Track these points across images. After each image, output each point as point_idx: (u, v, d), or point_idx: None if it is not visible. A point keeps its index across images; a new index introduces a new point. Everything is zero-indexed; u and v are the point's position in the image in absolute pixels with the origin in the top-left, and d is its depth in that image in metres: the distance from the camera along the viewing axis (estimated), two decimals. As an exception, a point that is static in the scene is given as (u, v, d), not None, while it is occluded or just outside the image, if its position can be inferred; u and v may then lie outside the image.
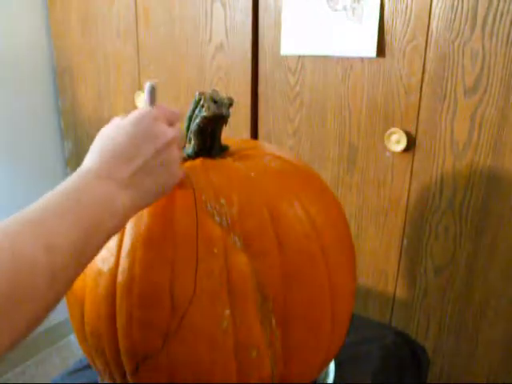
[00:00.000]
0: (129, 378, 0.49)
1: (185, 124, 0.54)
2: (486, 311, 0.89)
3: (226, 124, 0.55)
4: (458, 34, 0.79)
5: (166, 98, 1.22)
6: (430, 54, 0.82)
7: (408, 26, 0.83)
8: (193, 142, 0.54)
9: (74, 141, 1.52)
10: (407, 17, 0.83)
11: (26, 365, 1.52)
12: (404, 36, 0.84)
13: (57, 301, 0.36)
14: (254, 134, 1.11)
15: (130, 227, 0.47)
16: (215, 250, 0.45)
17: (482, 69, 0.78)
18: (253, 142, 0.69)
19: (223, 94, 0.53)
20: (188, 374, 0.47)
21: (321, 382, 0.65)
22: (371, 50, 0.87)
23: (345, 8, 0.88)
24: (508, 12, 0.74)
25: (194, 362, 0.46)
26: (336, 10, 0.89)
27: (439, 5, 0.79)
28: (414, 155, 0.89)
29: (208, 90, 0.53)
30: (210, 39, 1.10)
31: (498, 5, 0.74)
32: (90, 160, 0.43)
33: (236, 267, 0.45)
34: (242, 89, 1.08)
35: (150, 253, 0.46)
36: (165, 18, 1.16)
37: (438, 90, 0.83)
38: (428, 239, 0.92)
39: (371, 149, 0.94)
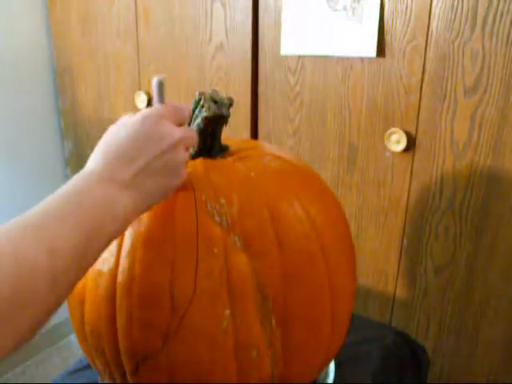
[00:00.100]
0: (129, 378, 0.49)
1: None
2: (486, 311, 0.89)
3: (226, 124, 0.55)
4: (458, 34, 0.79)
5: (167, 98, 1.22)
6: (430, 54, 0.82)
7: (408, 26, 0.83)
8: (193, 141, 0.54)
9: (74, 141, 1.52)
10: (407, 17, 0.83)
11: (26, 365, 1.52)
12: (404, 36, 0.84)
13: (58, 304, 0.36)
14: (254, 134, 1.11)
15: (129, 227, 0.47)
16: (215, 250, 0.45)
17: (482, 69, 0.78)
18: (253, 142, 0.69)
19: (223, 93, 0.53)
20: (188, 374, 0.47)
21: (321, 381, 0.65)
22: (371, 50, 0.87)
23: (345, 8, 0.88)
24: (508, 12, 0.74)
25: (194, 361, 0.46)
26: (336, 10, 0.89)
27: (439, 5, 0.79)
28: (414, 155, 0.89)
29: (208, 90, 0.53)
30: (210, 39, 1.10)
31: (497, 5, 0.74)
32: (93, 161, 0.42)
33: (236, 267, 0.45)
34: (242, 89, 1.08)
35: (150, 253, 0.46)
36: (165, 17, 1.16)
37: (438, 90, 0.83)
38: (428, 239, 0.92)
39: (371, 149, 0.94)
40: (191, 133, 0.47)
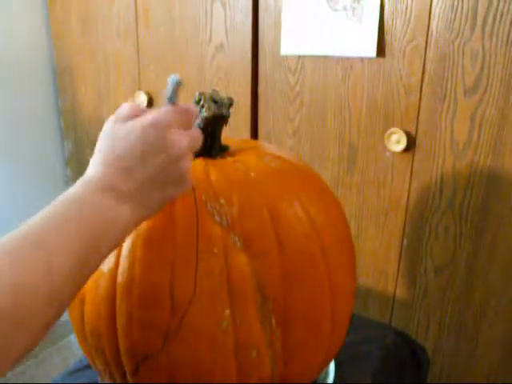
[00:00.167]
0: (129, 378, 0.49)
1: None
2: (486, 311, 0.89)
3: (226, 124, 0.55)
4: (458, 34, 0.79)
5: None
6: (430, 54, 0.82)
7: (408, 26, 0.83)
8: (193, 141, 0.54)
9: (74, 141, 1.52)
10: (407, 17, 0.83)
11: (26, 365, 1.52)
12: (404, 36, 0.84)
13: (56, 318, 0.35)
14: (254, 134, 1.11)
15: (130, 227, 0.47)
16: (215, 250, 0.45)
17: (482, 69, 0.78)
18: (253, 142, 0.69)
19: (223, 93, 0.53)
20: (188, 374, 0.47)
21: (321, 382, 0.65)
22: (371, 50, 0.87)
23: (345, 8, 0.88)
24: (508, 12, 0.74)
25: (194, 361, 0.46)
26: (336, 10, 0.89)
27: (439, 5, 0.79)
28: (414, 155, 0.89)
29: (208, 90, 0.53)
30: (210, 39, 1.10)
31: (497, 5, 0.74)
32: (95, 167, 0.40)
33: (236, 267, 0.45)
34: (242, 89, 1.08)
35: (150, 253, 0.46)
36: (165, 17, 1.16)
37: (438, 90, 0.83)
38: (428, 239, 0.92)
39: (371, 149, 0.94)
40: (197, 135, 0.45)
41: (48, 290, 0.33)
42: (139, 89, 1.27)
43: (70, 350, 1.60)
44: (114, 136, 0.41)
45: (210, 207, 0.47)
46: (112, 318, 0.47)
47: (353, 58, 0.91)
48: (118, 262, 0.47)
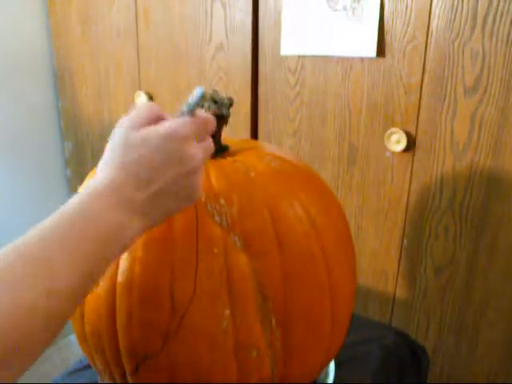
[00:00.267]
0: (129, 378, 0.49)
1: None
2: (486, 311, 0.89)
3: (226, 124, 0.55)
4: (458, 34, 0.79)
5: (167, 98, 1.22)
6: (430, 54, 0.82)
7: (408, 25, 0.83)
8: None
9: (74, 141, 1.52)
10: (407, 17, 0.83)
11: (26, 365, 1.52)
12: (404, 36, 0.84)
13: (53, 339, 0.34)
14: (254, 134, 1.11)
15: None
16: (215, 250, 0.45)
17: (482, 69, 0.78)
18: (253, 142, 0.69)
19: (223, 93, 0.53)
20: (188, 374, 0.47)
21: (321, 382, 0.65)
22: (371, 50, 0.87)
23: (345, 8, 0.88)
24: (508, 12, 0.74)
25: (194, 361, 0.46)
26: (336, 10, 0.89)
27: (439, 5, 0.79)
28: (413, 155, 0.89)
29: (208, 90, 0.53)
30: (210, 39, 1.10)
31: (498, 5, 0.74)
32: (106, 174, 0.38)
33: (236, 267, 0.45)
34: (242, 89, 1.08)
35: (150, 253, 0.46)
36: (165, 18, 1.16)
37: (438, 90, 0.83)
38: (428, 239, 0.92)
39: (371, 149, 0.94)
40: (211, 146, 0.43)
41: (46, 316, 0.32)
42: (139, 89, 1.27)
43: (70, 350, 1.60)
44: (126, 143, 0.38)
45: (209, 207, 0.47)
46: (112, 318, 0.47)
47: (353, 58, 0.91)
48: (117, 262, 0.47)
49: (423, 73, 0.84)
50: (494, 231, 0.84)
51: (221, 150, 0.56)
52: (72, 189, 1.58)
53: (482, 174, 0.83)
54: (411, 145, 0.88)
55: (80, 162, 1.53)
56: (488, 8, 0.75)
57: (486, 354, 0.91)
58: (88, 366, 0.71)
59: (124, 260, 0.47)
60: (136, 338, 0.46)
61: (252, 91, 1.07)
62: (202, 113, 0.42)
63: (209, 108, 0.51)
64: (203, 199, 0.47)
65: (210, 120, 0.42)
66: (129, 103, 1.31)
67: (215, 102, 0.52)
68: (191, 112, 0.41)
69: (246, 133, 1.10)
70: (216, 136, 0.55)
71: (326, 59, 0.94)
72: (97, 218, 0.36)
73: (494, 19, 0.75)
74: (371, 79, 0.90)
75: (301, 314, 0.48)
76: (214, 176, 0.49)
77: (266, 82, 1.05)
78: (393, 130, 0.89)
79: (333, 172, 1.00)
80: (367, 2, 0.85)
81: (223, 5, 1.05)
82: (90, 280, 0.36)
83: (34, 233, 0.34)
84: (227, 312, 0.45)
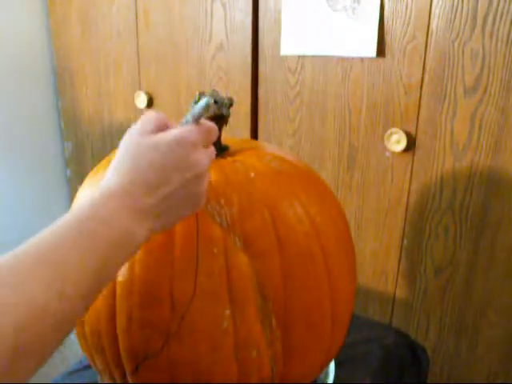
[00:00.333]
0: (129, 378, 0.49)
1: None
2: (486, 311, 0.89)
3: (226, 124, 0.54)
4: (458, 34, 0.79)
5: (167, 98, 1.22)
6: (430, 54, 0.82)
7: (408, 25, 0.83)
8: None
9: (74, 141, 1.52)
10: (407, 17, 0.83)
11: (26, 365, 1.52)
12: (404, 36, 0.84)
13: (63, 340, 0.34)
14: (254, 134, 1.11)
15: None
16: (215, 250, 0.45)
17: (482, 69, 0.78)
18: (253, 142, 0.69)
19: (223, 93, 0.53)
20: (188, 374, 0.47)
21: (321, 382, 0.65)
22: (371, 50, 0.87)
23: (345, 8, 0.88)
24: (508, 12, 0.74)
25: (194, 362, 0.46)
26: (336, 10, 0.89)
27: (439, 5, 0.79)
28: (413, 155, 0.89)
29: (208, 90, 0.53)
30: (210, 39, 1.10)
31: (498, 5, 0.74)
32: (114, 179, 0.39)
33: (236, 267, 0.45)
34: (242, 89, 1.08)
35: (150, 253, 0.46)
36: (165, 18, 1.16)
37: (438, 90, 0.83)
38: (428, 239, 0.92)
39: (371, 149, 0.94)
40: (214, 153, 0.45)
41: (58, 318, 0.32)
42: (139, 89, 1.27)
43: (70, 350, 1.60)
44: (137, 149, 0.40)
45: (210, 208, 0.47)
46: (112, 318, 0.47)
47: (353, 58, 0.91)
48: (118, 262, 0.47)
49: (423, 73, 0.84)
50: (494, 231, 0.84)
51: (221, 150, 0.56)
52: (72, 189, 1.58)
53: (482, 174, 0.83)
54: (411, 145, 0.88)
55: (80, 161, 1.53)
56: (488, 8, 0.75)
57: (486, 354, 0.91)
58: (88, 366, 0.71)
59: (124, 260, 0.47)
60: (136, 338, 0.46)
61: (252, 91, 1.07)
62: (206, 121, 0.44)
63: (209, 108, 0.51)
64: (203, 199, 0.47)
65: (213, 129, 0.44)
66: (129, 103, 1.32)
67: (215, 101, 0.52)
68: (196, 121, 0.42)
69: (246, 133, 1.10)
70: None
71: (325, 59, 0.94)
72: (109, 220, 0.36)
73: (494, 19, 0.75)
74: (371, 79, 0.90)
75: (301, 314, 0.48)
76: (214, 176, 0.49)
77: (266, 82, 1.05)
78: (393, 130, 0.89)
79: (333, 172, 1.00)
80: (367, 1, 0.85)
81: (223, 5, 1.05)
82: (100, 282, 0.36)
83: (45, 234, 0.34)
84: (227, 312, 0.45)
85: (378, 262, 0.99)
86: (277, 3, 0.97)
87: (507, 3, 0.73)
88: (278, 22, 0.98)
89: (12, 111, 1.43)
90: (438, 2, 0.79)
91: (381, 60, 0.88)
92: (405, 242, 0.95)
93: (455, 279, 0.91)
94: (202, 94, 0.52)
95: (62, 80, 1.48)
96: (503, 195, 0.82)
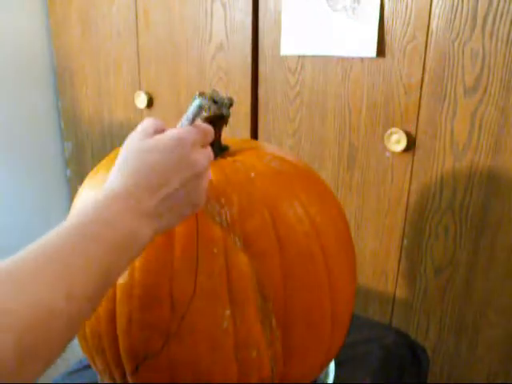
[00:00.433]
0: (129, 378, 0.49)
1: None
2: (486, 311, 0.89)
3: (226, 124, 0.54)
4: (458, 34, 0.79)
5: (167, 98, 1.22)
6: (430, 54, 0.82)
7: (408, 25, 0.83)
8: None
9: (74, 141, 1.52)
10: (407, 17, 0.83)
11: (26, 365, 1.51)
12: (404, 36, 0.84)
13: (70, 341, 0.34)
14: (254, 134, 1.11)
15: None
16: (215, 250, 0.45)
17: (482, 69, 0.78)
18: (253, 142, 0.69)
19: (223, 93, 0.53)
20: (188, 374, 0.47)
21: (321, 382, 0.65)
22: (371, 50, 0.87)
23: (345, 8, 0.88)
24: (508, 12, 0.74)
25: (194, 362, 0.46)
26: (336, 10, 0.89)
27: (439, 5, 0.79)
28: (413, 155, 0.89)
29: (208, 90, 0.53)
30: (210, 39, 1.10)
31: (498, 5, 0.74)
32: (118, 181, 0.40)
33: (236, 267, 0.45)
34: (242, 89, 1.08)
35: (150, 253, 0.46)
36: (165, 18, 1.16)
37: (438, 90, 0.83)
38: (428, 239, 0.92)
39: (371, 149, 0.94)
40: (211, 154, 0.46)
41: (65, 319, 0.32)
42: (139, 89, 1.27)
43: (70, 350, 1.60)
44: (139, 151, 0.41)
45: (210, 208, 0.47)
46: (112, 318, 0.47)
47: (353, 58, 0.91)
48: (118, 262, 0.47)
49: (423, 73, 0.84)
50: (494, 231, 0.84)
51: (221, 150, 0.56)
52: (72, 189, 1.58)
53: (482, 174, 0.83)
54: (411, 145, 0.88)
55: (80, 162, 1.53)
56: (488, 8, 0.75)
57: (486, 354, 0.91)
58: (88, 366, 0.71)
59: (124, 260, 0.47)
60: (136, 339, 0.46)
61: (252, 91, 1.07)
62: (201, 123, 0.46)
63: (209, 108, 0.51)
64: (203, 199, 0.47)
65: (209, 130, 0.45)
66: (129, 103, 1.32)
67: (215, 102, 0.52)
68: (191, 122, 0.44)
69: (246, 133, 1.10)
70: (216, 136, 0.55)
71: (325, 59, 0.94)
72: (113, 221, 0.37)
73: (494, 19, 0.75)
74: (371, 79, 0.90)
75: (301, 314, 0.48)
76: (214, 176, 0.49)
77: (266, 82, 1.05)
78: (393, 129, 0.89)
79: (333, 172, 1.00)
80: (367, 1, 0.85)
81: (223, 5, 1.05)
82: (106, 283, 0.36)
83: (51, 236, 0.34)
84: (227, 312, 0.45)
85: (378, 262, 0.99)
86: (277, 3, 0.97)
87: (507, 3, 0.73)
88: (277, 22, 0.98)
89: (12, 111, 1.43)
90: (437, 2, 0.79)
91: (381, 60, 0.88)
92: (405, 241, 0.95)
93: (455, 279, 0.91)
94: (201, 95, 0.52)
95: (61, 80, 1.48)
96: (503, 195, 0.82)
